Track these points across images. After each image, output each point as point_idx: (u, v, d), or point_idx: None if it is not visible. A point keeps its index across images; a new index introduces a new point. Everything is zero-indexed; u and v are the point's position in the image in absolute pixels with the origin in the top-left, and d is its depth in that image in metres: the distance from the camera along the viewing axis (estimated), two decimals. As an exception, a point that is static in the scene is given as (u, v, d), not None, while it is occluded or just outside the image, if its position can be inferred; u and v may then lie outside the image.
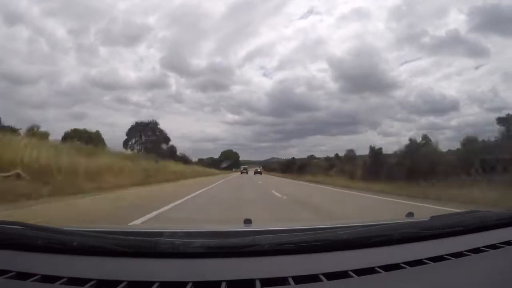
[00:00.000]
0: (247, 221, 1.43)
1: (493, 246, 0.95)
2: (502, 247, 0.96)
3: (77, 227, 1.25)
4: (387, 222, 1.25)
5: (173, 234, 1.04)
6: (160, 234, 1.01)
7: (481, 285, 0.77)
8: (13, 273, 0.77)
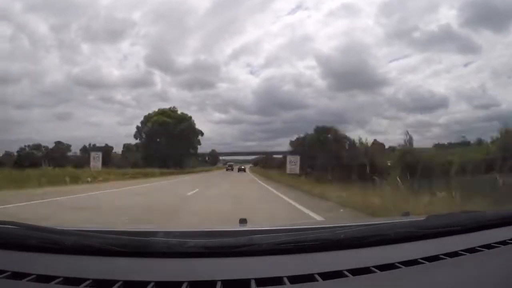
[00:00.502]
0: (243, 221, 1.43)
1: (489, 246, 0.95)
2: (498, 247, 0.96)
3: (73, 226, 1.24)
4: (383, 222, 1.25)
5: (168, 234, 1.04)
6: (155, 233, 1.01)
7: (476, 285, 0.77)
8: (8, 273, 0.77)
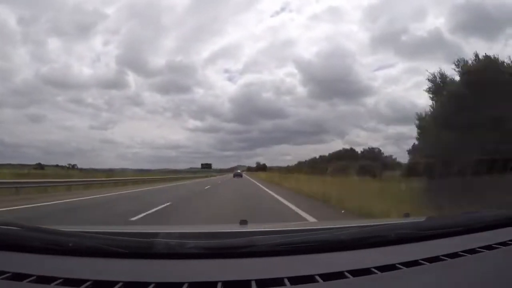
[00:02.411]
0: (243, 222, 1.43)
1: (489, 247, 0.96)
2: (498, 247, 0.96)
3: (73, 228, 1.24)
4: (384, 223, 1.25)
5: (168, 235, 1.04)
6: (156, 235, 1.01)
7: (476, 286, 0.77)
8: (9, 274, 0.77)
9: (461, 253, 0.91)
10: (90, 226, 1.57)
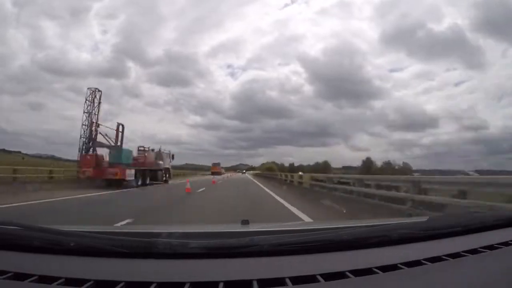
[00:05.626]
0: (245, 222, 1.43)
1: (491, 247, 0.95)
2: (500, 248, 0.96)
3: (74, 227, 1.25)
4: (385, 223, 1.25)
5: (170, 235, 1.04)
6: (158, 234, 1.01)
7: (478, 286, 0.77)
8: (11, 273, 0.77)
9: (463, 253, 0.90)
10: (91, 226, 1.58)
